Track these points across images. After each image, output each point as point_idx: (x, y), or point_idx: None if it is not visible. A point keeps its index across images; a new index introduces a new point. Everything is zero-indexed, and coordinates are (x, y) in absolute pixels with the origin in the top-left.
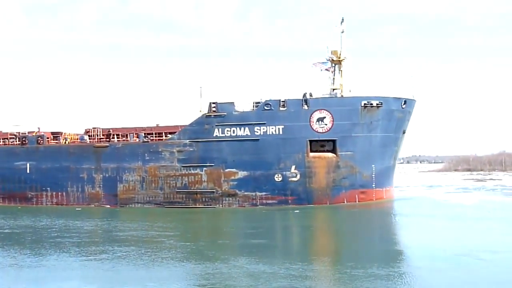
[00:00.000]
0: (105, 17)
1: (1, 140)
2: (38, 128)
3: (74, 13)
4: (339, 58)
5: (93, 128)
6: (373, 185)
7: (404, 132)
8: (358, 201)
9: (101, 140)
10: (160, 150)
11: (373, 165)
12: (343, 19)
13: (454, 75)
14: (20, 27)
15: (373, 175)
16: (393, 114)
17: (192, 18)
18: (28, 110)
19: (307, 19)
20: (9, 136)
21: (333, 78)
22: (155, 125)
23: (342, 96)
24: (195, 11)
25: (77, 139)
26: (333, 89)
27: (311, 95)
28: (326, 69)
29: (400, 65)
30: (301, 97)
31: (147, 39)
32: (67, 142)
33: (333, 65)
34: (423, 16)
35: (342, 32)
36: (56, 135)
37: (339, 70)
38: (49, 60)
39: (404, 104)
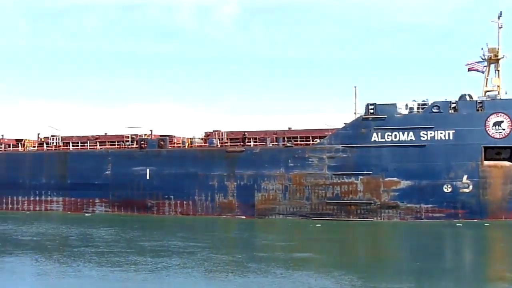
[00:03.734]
0: (109, 24)
1: (116, 143)
2: (151, 130)
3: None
4: (497, 56)
5: (214, 131)
6: None
7: None
8: None
9: (233, 144)
10: (306, 156)
11: None
12: (501, 13)
13: None
14: (24, 34)
15: None
16: None
17: (196, 26)
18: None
19: (312, 30)
20: (124, 139)
21: (486, 79)
22: (287, 129)
23: (500, 98)
24: (198, 19)
25: (192, 142)
26: (487, 91)
27: (470, 97)
28: (482, 70)
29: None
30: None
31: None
32: (188, 146)
33: (488, 64)
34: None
35: (500, 27)
36: (165, 138)
37: (496, 70)
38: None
39: None
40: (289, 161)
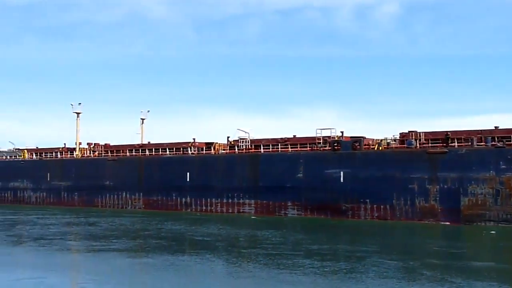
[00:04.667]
0: (269, 30)
1: (308, 145)
2: (342, 132)
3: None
4: None
5: (410, 131)
6: None
7: None
8: None
9: (433, 145)
10: None
11: None
12: None
13: None
14: (191, 44)
15: None
16: None
17: (354, 27)
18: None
19: (477, 24)
20: (316, 141)
21: None
22: (493, 127)
23: None
24: (356, 20)
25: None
26: None
27: None
28: None
29: None
30: None
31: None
32: (382, 148)
33: None
34: None
35: None
36: (359, 139)
37: None
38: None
39: None
40: (501, 163)
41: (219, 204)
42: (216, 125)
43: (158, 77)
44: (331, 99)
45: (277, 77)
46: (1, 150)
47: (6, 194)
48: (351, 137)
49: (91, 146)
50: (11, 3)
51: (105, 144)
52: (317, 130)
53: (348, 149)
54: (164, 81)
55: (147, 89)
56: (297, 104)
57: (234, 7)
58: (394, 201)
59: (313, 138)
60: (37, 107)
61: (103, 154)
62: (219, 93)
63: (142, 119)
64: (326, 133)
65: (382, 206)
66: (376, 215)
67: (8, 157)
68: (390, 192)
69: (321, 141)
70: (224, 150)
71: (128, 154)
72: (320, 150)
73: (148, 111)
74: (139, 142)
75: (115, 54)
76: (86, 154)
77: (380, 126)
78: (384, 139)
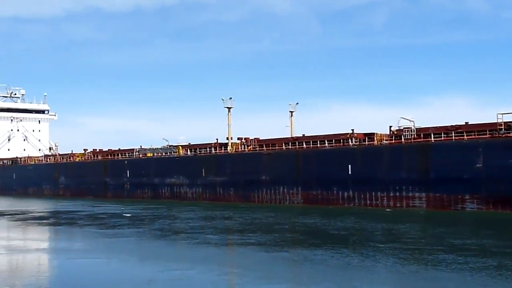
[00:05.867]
0: (396, 18)
1: (488, 132)
2: None
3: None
4: None
5: None
6: None
7: None
8: None
9: None
10: None
11: None
12: None
13: None
14: (316, 37)
15: None
16: None
17: (489, 9)
18: None
19: None
20: (498, 127)
21: None
22: None
23: None
24: (491, 2)
25: None
26: None
27: None
28: None
29: None
30: None
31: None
32: None
33: None
34: None
35: None
36: None
37: None
38: None
39: None
40: None
41: (385, 198)
42: (347, 116)
43: (286, 71)
44: (464, 86)
45: (405, 66)
46: (157, 147)
47: (163, 190)
48: None
49: (242, 140)
50: (145, 9)
51: (255, 138)
52: (498, 115)
53: None
54: (293, 75)
55: (284, 83)
56: (426, 92)
57: None
58: None
59: (493, 124)
60: (184, 105)
61: (257, 149)
62: (347, 85)
63: (291, 112)
64: (507, 118)
65: None
66: None
67: (164, 154)
68: None
69: (503, 127)
70: (386, 140)
71: (284, 147)
72: (503, 137)
73: (297, 103)
74: (289, 135)
75: (243, 51)
76: (240, 149)
77: None
78: None
